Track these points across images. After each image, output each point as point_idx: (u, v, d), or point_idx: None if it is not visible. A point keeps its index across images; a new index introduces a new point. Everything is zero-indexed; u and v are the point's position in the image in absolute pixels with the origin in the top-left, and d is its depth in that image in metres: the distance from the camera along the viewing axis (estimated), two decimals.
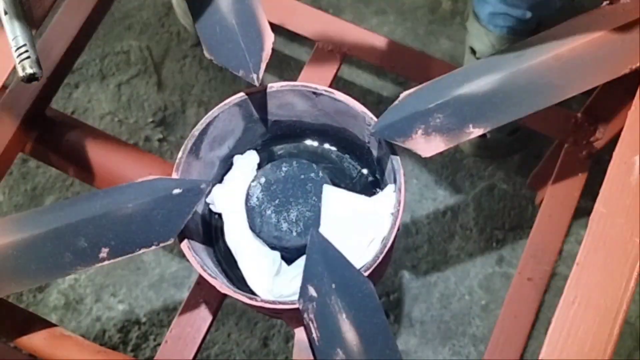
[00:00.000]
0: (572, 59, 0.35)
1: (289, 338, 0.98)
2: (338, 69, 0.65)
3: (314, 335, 0.34)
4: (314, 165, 0.43)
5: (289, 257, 0.42)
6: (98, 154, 0.65)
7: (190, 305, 0.59)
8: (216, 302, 0.59)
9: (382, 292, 0.99)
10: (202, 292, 0.59)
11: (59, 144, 0.65)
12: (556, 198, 0.59)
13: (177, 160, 0.40)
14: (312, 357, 0.42)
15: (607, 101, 0.58)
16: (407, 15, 1.11)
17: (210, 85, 1.08)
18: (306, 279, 0.35)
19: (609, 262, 0.33)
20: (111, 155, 0.65)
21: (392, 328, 0.99)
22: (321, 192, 0.42)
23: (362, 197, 0.40)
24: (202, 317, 0.59)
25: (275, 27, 0.62)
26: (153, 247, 0.36)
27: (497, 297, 0.98)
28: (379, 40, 0.67)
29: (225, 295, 0.60)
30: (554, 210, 0.59)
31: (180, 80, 1.07)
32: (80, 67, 1.07)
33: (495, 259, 1.02)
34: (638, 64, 0.36)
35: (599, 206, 0.33)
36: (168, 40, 1.09)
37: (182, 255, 1.01)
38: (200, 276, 0.60)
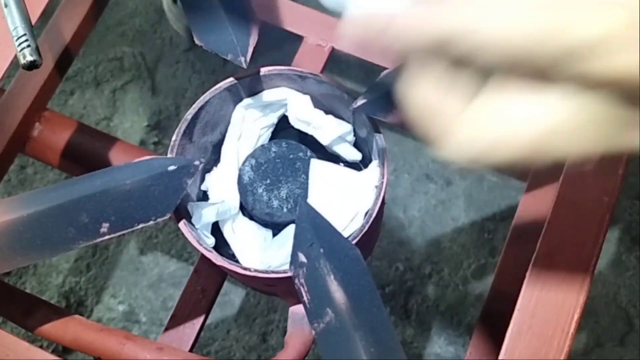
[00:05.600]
0: None
1: None
2: (326, 63, 0.67)
3: (305, 298, 0.36)
4: (302, 146, 0.45)
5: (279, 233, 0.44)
6: (98, 152, 0.67)
7: (189, 293, 0.61)
8: (214, 288, 0.61)
9: (377, 285, 1.01)
10: (200, 280, 0.61)
11: (58, 143, 0.67)
12: (539, 179, 0.62)
13: (172, 143, 0.42)
14: (305, 328, 0.44)
15: None
16: None
17: (203, 89, 1.10)
18: (296, 246, 0.37)
19: (578, 220, 0.35)
20: (111, 153, 0.67)
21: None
22: (309, 171, 0.44)
23: (348, 170, 0.42)
24: (201, 304, 0.61)
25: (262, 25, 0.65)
26: (151, 222, 0.38)
27: None
28: None
29: (222, 281, 0.63)
30: (538, 191, 0.61)
31: (174, 85, 1.10)
32: (75, 75, 1.10)
33: (488, 249, 1.05)
34: None
35: (568, 168, 0.36)
36: (161, 46, 1.12)
37: (180, 255, 1.03)
38: (197, 264, 0.62)
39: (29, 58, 0.37)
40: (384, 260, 1.03)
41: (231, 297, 1.01)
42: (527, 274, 0.34)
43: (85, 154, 0.67)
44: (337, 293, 0.34)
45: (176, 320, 0.60)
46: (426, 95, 0.26)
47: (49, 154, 0.68)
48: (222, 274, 0.61)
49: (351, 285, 0.35)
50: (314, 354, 0.94)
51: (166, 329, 0.60)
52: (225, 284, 0.65)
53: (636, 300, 1.03)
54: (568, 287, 0.33)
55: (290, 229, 0.43)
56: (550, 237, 0.34)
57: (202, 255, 0.58)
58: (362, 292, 0.35)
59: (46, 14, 0.58)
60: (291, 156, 0.45)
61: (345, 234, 0.40)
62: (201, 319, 0.61)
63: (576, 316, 0.32)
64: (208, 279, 0.62)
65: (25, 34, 0.37)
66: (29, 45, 0.37)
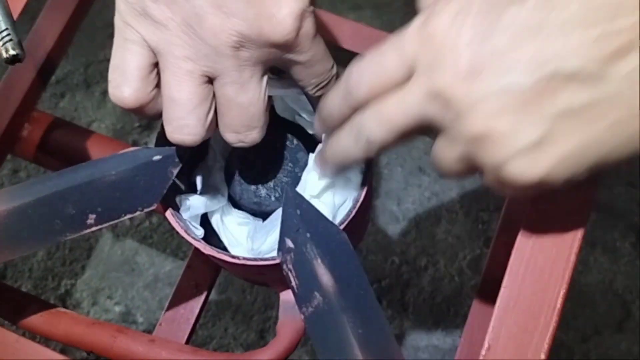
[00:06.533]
0: None
1: None
2: None
3: (293, 283, 0.36)
4: (289, 135, 0.45)
5: None
6: (88, 151, 0.67)
7: (182, 288, 0.61)
8: (207, 283, 0.61)
9: (373, 278, 1.02)
10: (193, 275, 0.61)
11: (48, 143, 0.67)
12: None
13: (158, 134, 0.42)
14: (296, 316, 0.44)
15: None
16: (383, 9, 1.14)
17: None
18: (283, 232, 0.37)
19: (563, 196, 0.35)
20: (102, 152, 0.67)
21: (385, 313, 1.01)
22: (296, 159, 0.44)
23: None
24: (195, 298, 0.61)
25: None
26: (137, 213, 0.38)
27: None
28: (350, 26, 0.69)
29: (215, 276, 0.63)
30: None
31: None
32: (65, 77, 1.10)
33: (483, 239, 1.05)
34: None
35: None
36: None
37: (176, 255, 1.03)
38: (190, 259, 0.62)
39: (12, 52, 0.37)
40: (380, 254, 1.03)
41: (228, 295, 1.01)
42: (513, 252, 0.34)
43: (76, 153, 0.67)
44: (325, 276, 0.35)
45: (170, 316, 0.60)
46: None
47: (38, 154, 0.68)
48: (216, 269, 0.61)
49: (338, 268, 0.35)
50: (313, 354, 0.94)
51: (160, 325, 0.60)
52: (222, 282, 0.65)
53: (632, 287, 1.03)
54: (554, 264, 0.33)
55: (278, 214, 0.43)
56: (535, 214, 0.34)
57: (195, 250, 0.58)
58: (349, 274, 0.35)
59: (32, 15, 0.59)
60: (278, 145, 0.45)
61: (335, 222, 0.40)
62: (195, 314, 0.61)
63: (562, 291, 0.32)
64: (201, 273, 0.62)
65: (7, 28, 0.37)
66: (11, 39, 0.37)
